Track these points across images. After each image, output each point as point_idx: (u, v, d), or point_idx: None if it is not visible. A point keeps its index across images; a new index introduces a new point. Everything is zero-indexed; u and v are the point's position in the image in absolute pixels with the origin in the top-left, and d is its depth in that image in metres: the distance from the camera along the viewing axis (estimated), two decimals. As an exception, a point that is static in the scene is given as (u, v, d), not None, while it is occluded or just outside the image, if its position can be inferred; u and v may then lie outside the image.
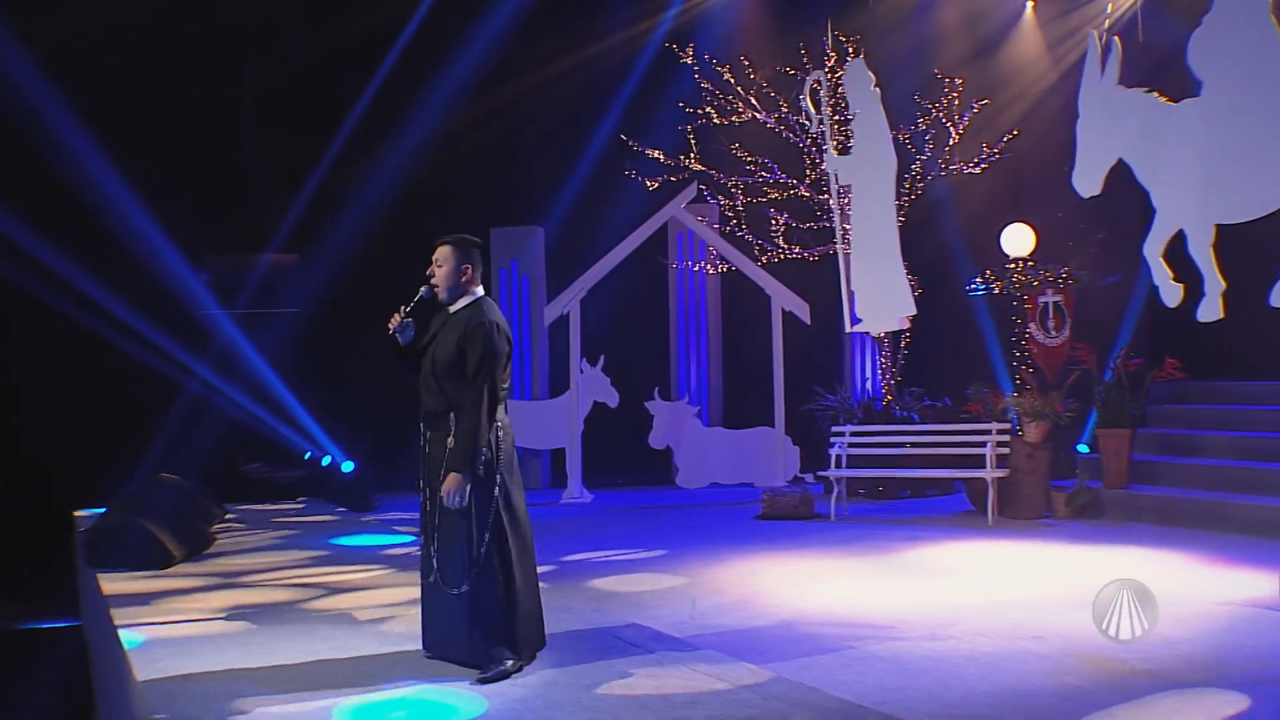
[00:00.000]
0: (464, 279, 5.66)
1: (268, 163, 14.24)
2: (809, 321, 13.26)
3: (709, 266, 14.32)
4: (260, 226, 14.02)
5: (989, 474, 10.81)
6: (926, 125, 13.13)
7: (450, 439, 5.45)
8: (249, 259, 14.19)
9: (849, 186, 11.81)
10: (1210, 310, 8.22)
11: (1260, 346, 11.26)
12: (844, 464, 11.68)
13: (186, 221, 13.07)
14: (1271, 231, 8.49)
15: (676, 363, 15.04)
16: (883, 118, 11.38)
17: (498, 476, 5.51)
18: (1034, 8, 14.66)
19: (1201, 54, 7.97)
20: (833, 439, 11.96)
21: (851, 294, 11.63)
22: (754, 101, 13.38)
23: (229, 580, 8.59)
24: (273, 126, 14.31)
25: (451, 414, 5.49)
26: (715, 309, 15.14)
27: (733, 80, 13.40)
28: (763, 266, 13.42)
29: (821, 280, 13.64)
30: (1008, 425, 11.23)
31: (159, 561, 8.91)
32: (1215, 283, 8.22)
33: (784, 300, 13.10)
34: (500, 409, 5.55)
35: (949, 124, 13.16)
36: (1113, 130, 8.38)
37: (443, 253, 5.71)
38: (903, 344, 13.41)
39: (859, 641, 6.23)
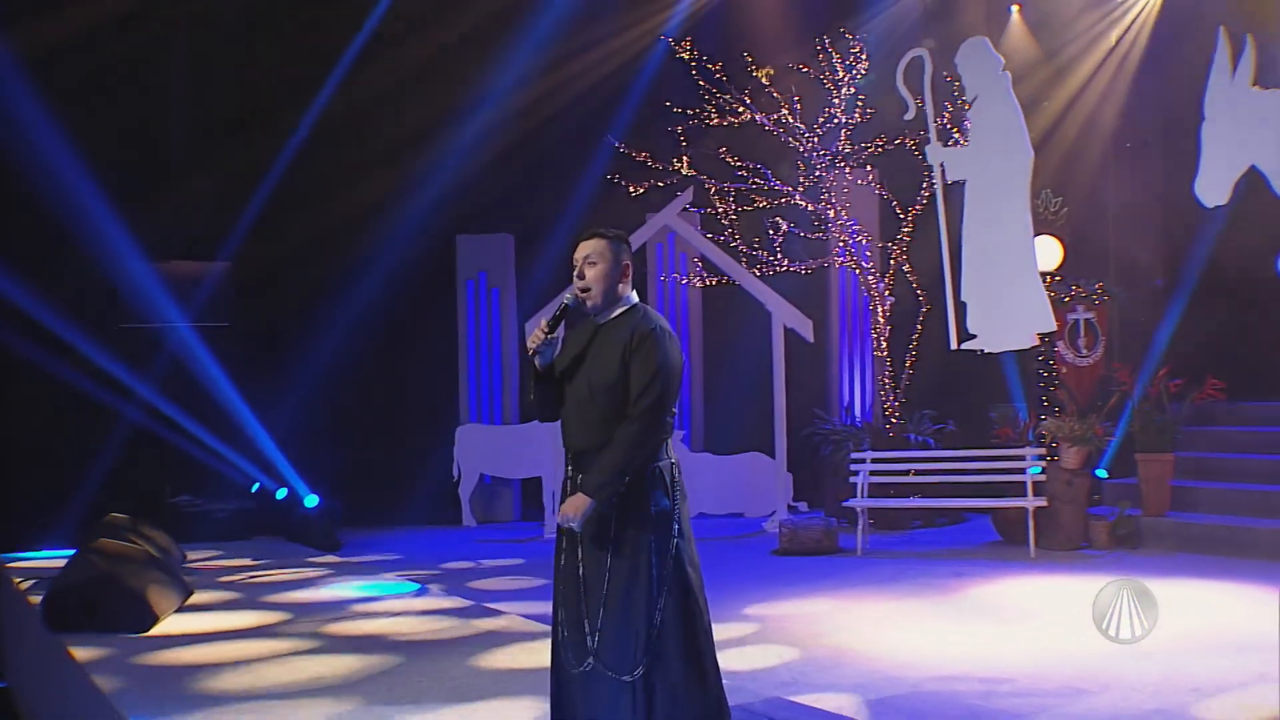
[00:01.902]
0: (620, 280, 4.74)
1: (201, 161, 13.50)
2: (811, 339, 13.06)
3: (695, 279, 13.97)
4: (196, 231, 13.32)
5: (1030, 503, 10.68)
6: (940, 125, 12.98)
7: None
8: (185, 266, 13.45)
9: (961, 183, 11.17)
10: None
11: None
12: (866, 493, 11.46)
13: (115, 222, 12.39)
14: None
15: (656, 383, 14.65)
16: (1015, 104, 10.80)
17: (675, 525, 4.59)
18: (1020, 10, 14.74)
19: None
20: (854, 466, 11.71)
21: (962, 306, 11.06)
22: (749, 102, 13.11)
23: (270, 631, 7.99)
24: (207, 120, 13.60)
25: None
26: (697, 325, 14.84)
27: (727, 80, 13.09)
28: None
29: (807, 295, 13.47)
30: (1044, 450, 11.12)
31: (141, 622, 8.21)
32: None
33: (786, 317, 12.85)
34: (669, 440, 4.74)
35: (954, 129, 13.08)
36: (1245, 135, 8.24)
37: (594, 248, 4.71)
38: (908, 363, 13.26)
39: (1030, 703, 5.94)
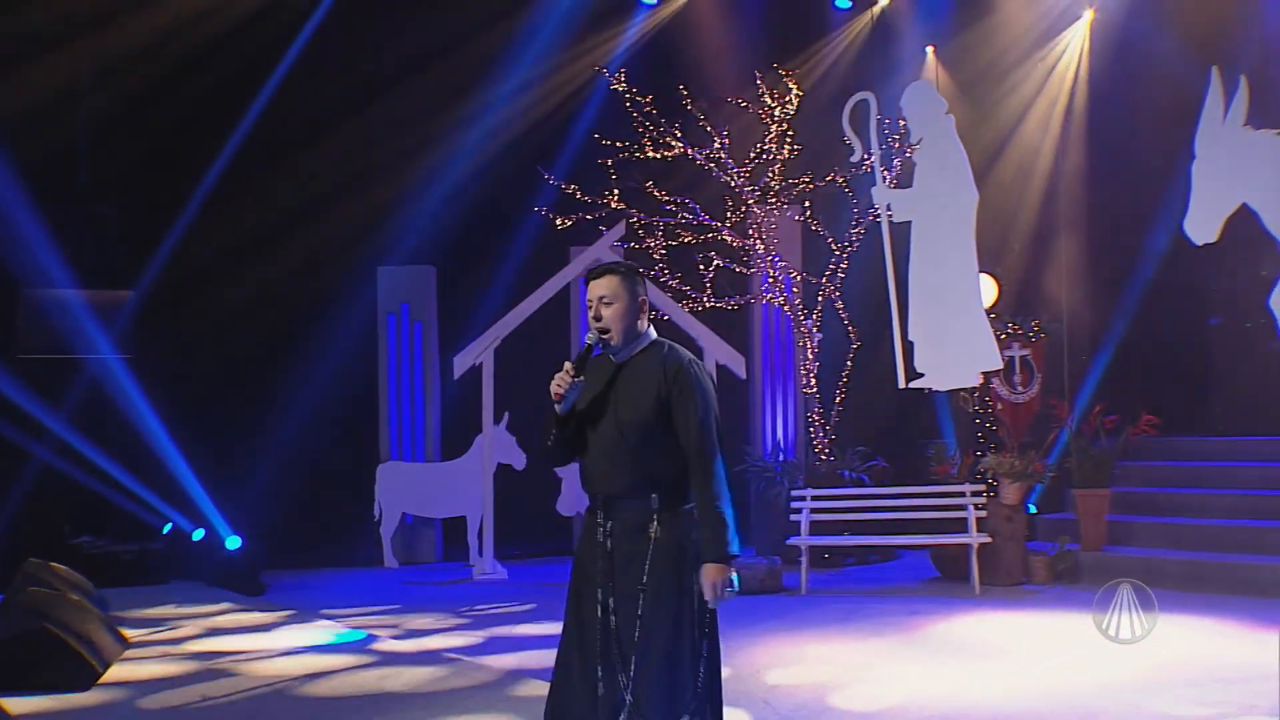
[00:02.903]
0: (639, 316, 4.56)
1: (114, 189, 13.07)
2: (744, 376, 13.17)
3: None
4: (110, 260, 12.87)
5: (973, 539, 10.91)
6: (869, 168, 13.26)
7: (654, 527, 4.38)
8: (97, 295, 12.98)
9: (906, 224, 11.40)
10: None
11: (1228, 403, 11.89)
12: (807, 531, 11.56)
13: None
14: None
15: (579, 419, 14.58)
16: (959, 146, 11.09)
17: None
18: (934, 51, 15.23)
19: None
20: (795, 504, 11.80)
21: (909, 345, 11.26)
22: (680, 135, 13.18)
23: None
24: (122, 148, 13.17)
25: (653, 493, 4.40)
26: (619, 361, 14.79)
27: (658, 114, 13.15)
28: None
29: (729, 331, 13.59)
30: (983, 487, 11.38)
31: (81, 680, 7.81)
32: None
33: (719, 353, 12.94)
34: None
35: (882, 169, 13.34)
36: (1235, 174, 8.57)
37: (609, 286, 4.53)
38: (837, 399, 13.43)
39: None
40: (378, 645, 9.10)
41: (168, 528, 12.44)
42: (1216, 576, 10.28)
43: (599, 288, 4.54)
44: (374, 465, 13.44)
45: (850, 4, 15.53)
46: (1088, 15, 14.27)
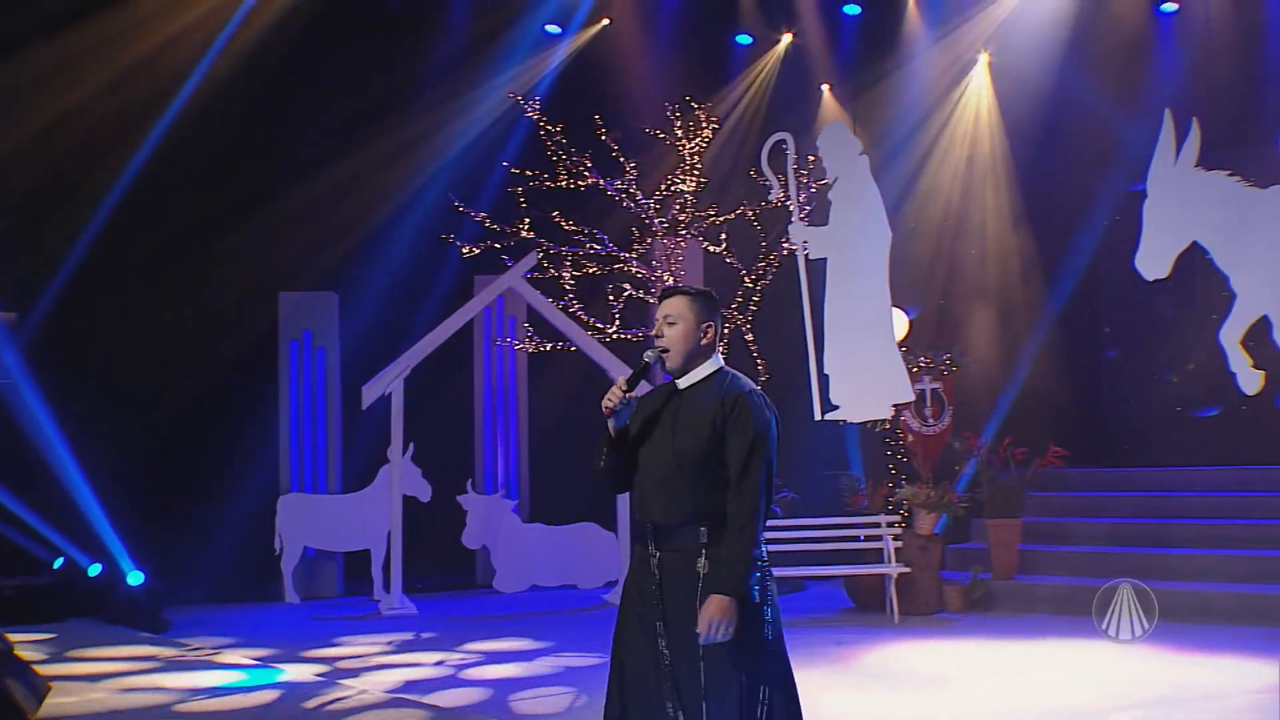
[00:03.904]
0: (703, 341, 4.50)
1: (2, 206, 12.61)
2: (654, 407, 13.26)
3: (529, 343, 13.86)
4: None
5: (892, 569, 11.19)
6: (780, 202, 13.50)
7: (702, 560, 4.28)
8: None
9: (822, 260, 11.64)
10: None
11: (1127, 433, 12.45)
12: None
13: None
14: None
15: (482, 451, 14.53)
16: (873, 186, 11.39)
17: (769, 610, 4.32)
18: (830, 89, 15.71)
19: None
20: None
21: (824, 379, 11.49)
22: (590, 165, 13.28)
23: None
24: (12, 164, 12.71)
25: (702, 526, 4.31)
26: (524, 392, 14.80)
27: (566, 142, 13.22)
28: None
29: (634, 363, 13.69)
30: (898, 518, 11.67)
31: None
32: None
33: (630, 384, 13.02)
34: None
35: (788, 203, 13.60)
36: (1187, 213, 9.00)
37: (675, 306, 4.50)
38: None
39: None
40: (311, 684, 8.93)
41: (59, 562, 11.97)
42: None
43: (666, 307, 4.53)
44: (274, 497, 13.16)
45: (751, 40, 15.91)
46: (984, 58, 14.91)
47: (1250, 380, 9.22)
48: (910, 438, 12.25)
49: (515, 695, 8.28)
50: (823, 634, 10.54)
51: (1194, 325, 13.75)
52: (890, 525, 11.53)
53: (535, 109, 13.05)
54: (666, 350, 4.48)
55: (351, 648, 10.30)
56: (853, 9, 15.24)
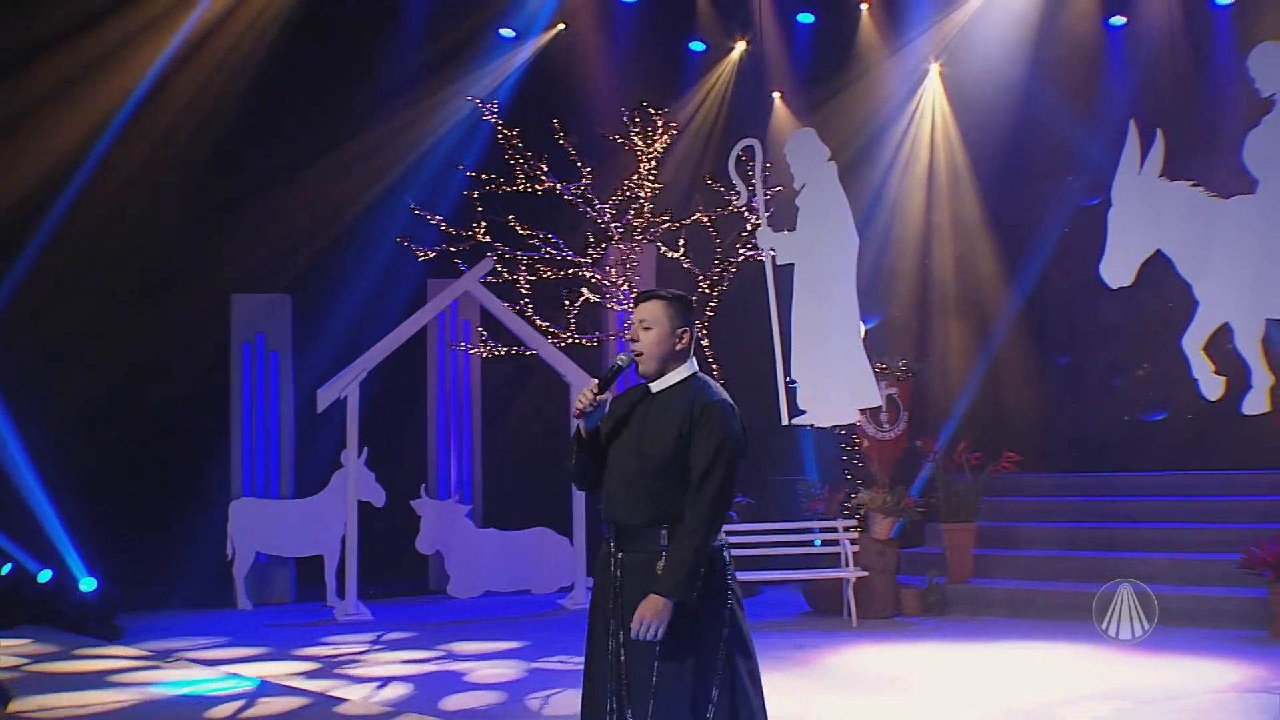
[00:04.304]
0: (677, 347, 4.53)
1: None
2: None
3: (484, 348, 13.83)
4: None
5: (850, 574, 11.31)
6: (735, 209, 13.59)
7: (661, 562, 4.32)
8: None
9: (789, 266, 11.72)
10: (1256, 403, 9.18)
11: (1078, 439, 12.69)
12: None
13: None
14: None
15: (435, 456, 14.48)
16: (841, 193, 11.48)
17: (726, 611, 4.38)
18: (781, 97, 15.89)
19: (1257, 153, 9.01)
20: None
21: (791, 384, 11.57)
22: (546, 170, 13.28)
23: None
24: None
25: (664, 528, 4.35)
26: (477, 396, 14.78)
27: (522, 146, 13.23)
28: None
29: (586, 368, 13.75)
30: (855, 523, 11.81)
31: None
32: (1263, 376, 9.19)
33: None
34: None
35: (746, 210, 13.67)
36: (1151, 222, 9.20)
37: (651, 310, 4.53)
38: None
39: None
40: (279, 698, 8.86)
41: (7, 568, 11.75)
42: (1078, 605, 10.86)
43: (641, 311, 4.56)
44: (226, 502, 13.03)
45: (705, 47, 16.02)
46: (934, 68, 15.15)
47: (1212, 386, 9.44)
48: (866, 443, 12.39)
49: (529, 696, 8.33)
50: (783, 638, 10.63)
51: (1142, 333, 14.10)
52: (847, 530, 11.67)
53: (493, 113, 13.04)
54: (640, 354, 4.52)
55: (333, 649, 10.27)
56: (806, 18, 15.40)
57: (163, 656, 10.08)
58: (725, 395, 4.49)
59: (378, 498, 13.03)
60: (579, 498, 12.89)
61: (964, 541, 11.89)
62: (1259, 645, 9.18)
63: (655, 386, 4.53)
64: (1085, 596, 10.91)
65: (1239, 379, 9.43)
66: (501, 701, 8.20)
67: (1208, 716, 7.25)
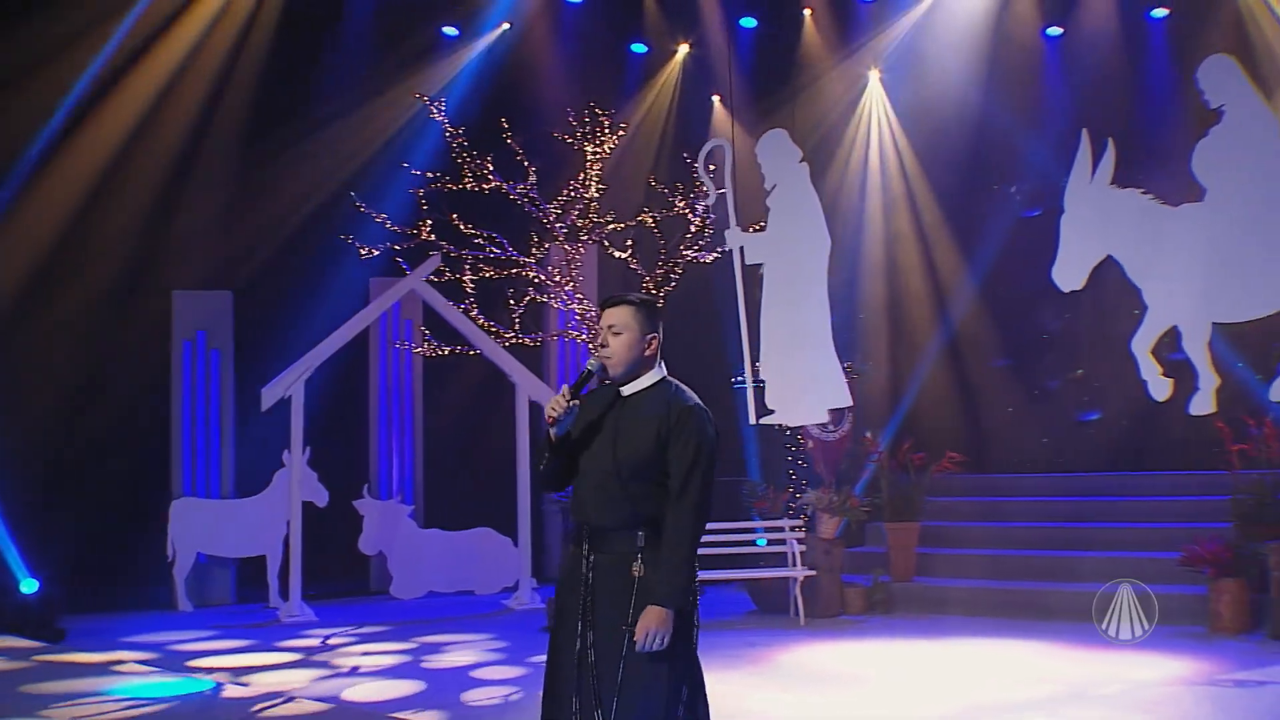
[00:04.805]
0: (647, 352, 4.54)
1: None
2: (556, 412, 13.35)
3: (428, 348, 13.76)
4: None
5: (798, 573, 11.46)
6: (680, 211, 13.67)
7: (637, 564, 4.39)
8: None
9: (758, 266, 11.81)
10: (1202, 404, 9.44)
11: (1018, 439, 12.98)
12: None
13: None
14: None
15: (377, 456, 14.40)
16: (813, 194, 11.58)
17: (696, 616, 4.49)
18: (721, 100, 16.04)
19: (1206, 162, 9.29)
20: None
21: (759, 384, 11.65)
22: (492, 169, 13.27)
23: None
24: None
25: (640, 531, 4.42)
26: (419, 396, 14.73)
27: (467, 144, 13.20)
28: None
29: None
30: (801, 522, 11.96)
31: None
32: (1209, 378, 9.46)
33: (533, 390, 13.12)
34: None
35: (688, 211, 13.77)
36: (1103, 228, 9.46)
37: (619, 315, 4.53)
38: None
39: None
40: (230, 691, 8.79)
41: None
42: (1020, 603, 11.20)
43: (610, 316, 4.56)
44: (166, 501, 12.84)
45: (646, 49, 16.11)
46: (874, 74, 15.39)
47: (1160, 388, 9.73)
48: (810, 443, 12.56)
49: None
50: (733, 636, 10.73)
51: (1079, 337, 14.47)
52: (794, 529, 11.82)
53: (440, 111, 13.01)
54: (610, 358, 4.53)
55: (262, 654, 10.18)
56: (749, 22, 15.55)
57: (110, 660, 9.97)
58: (698, 400, 4.54)
59: (320, 498, 12.94)
60: (524, 499, 12.91)
61: (908, 541, 12.10)
62: (1200, 640, 9.47)
63: (626, 390, 4.56)
64: (1027, 594, 11.31)
65: (1187, 381, 9.74)
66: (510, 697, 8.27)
67: (1160, 709, 7.48)
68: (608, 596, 4.37)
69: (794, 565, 11.55)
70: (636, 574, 4.35)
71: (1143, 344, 9.73)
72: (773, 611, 11.91)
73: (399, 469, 14.48)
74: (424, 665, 9.65)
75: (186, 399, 13.35)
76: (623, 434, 4.48)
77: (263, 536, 12.82)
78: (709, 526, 11.63)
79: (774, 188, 11.77)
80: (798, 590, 11.46)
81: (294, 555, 12.19)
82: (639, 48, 16.03)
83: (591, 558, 4.45)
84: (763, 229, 12.05)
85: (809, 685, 8.60)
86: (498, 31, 14.98)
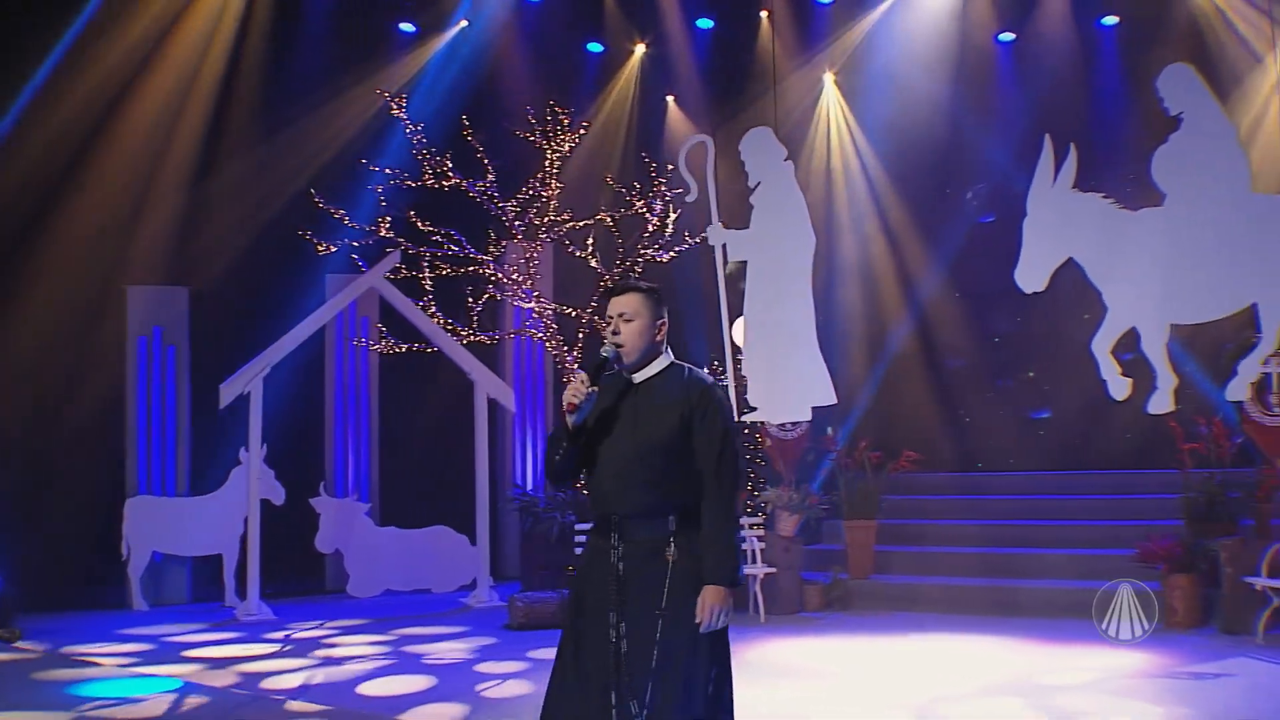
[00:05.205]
0: (657, 337, 4.63)
1: None
2: (514, 409, 13.41)
3: (385, 345, 13.71)
4: None
5: (759, 570, 11.58)
6: (638, 210, 13.74)
7: (670, 549, 4.42)
8: None
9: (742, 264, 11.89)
10: (1161, 403, 9.65)
11: (971, 438, 13.21)
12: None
13: None
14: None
15: (333, 453, 14.35)
16: (798, 192, 11.66)
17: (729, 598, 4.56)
18: (675, 100, 16.19)
19: (1166, 168, 9.51)
20: (582, 537, 12.08)
21: (742, 381, 11.71)
22: (450, 165, 13.26)
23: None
24: None
25: (670, 515, 4.45)
26: (375, 393, 14.69)
27: (426, 139, 13.20)
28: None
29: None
30: (759, 520, 12.08)
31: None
32: (1167, 378, 9.67)
33: (490, 387, 13.14)
34: None
35: (646, 211, 13.82)
36: (1064, 231, 9.66)
37: (630, 303, 4.61)
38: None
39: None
40: (199, 696, 8.74)
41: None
42: (977, 599, 11.40)
43: (620, 304, 4.63)
44: (121, 500, 12.71)
45: (602, 48, 16.18)
46: (829, 77, 15.58)
47: (1119, 387, 9.95)
48: (769, 442, 12.69)
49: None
50: (696, 632, 10.81)
51: (1031, 338, 14.75)
52: (753, 527, 11.94)
53: (401, 107, 12.99)
54: (623, 344, 4.58)
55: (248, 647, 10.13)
56: (705, 23, 15.67)
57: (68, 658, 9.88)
58: (711, 378, 4.65)
59: (277, 496, 12.85)
60: (482, 497, 12.91)
61: (866, 538, 12.27)
62: (1156, 635, 9.65)
63: (638, 377, 4.62)
64: (984, 591, 11.51)
65: (1145, 381, 9.96)
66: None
67: (1125, 700, 7.66)
68: (640, 584, 4.41)
69: (753, 563, 11.67)
70: (670, 559, 4.41)
71: (1103, 344, 9.95)
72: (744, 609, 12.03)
73: (355, 467, 14.44)
74: (425, 661, 9.67)
75: (142, 396, 13.22)
76: (643, 419, 4.53)
77: (219, 535, 12.73)
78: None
79: (758, 185, 11.87)
80: (758, 587, 11.58)
81: (252, 554, 12.11)
82: (595, 47, 16.09)
83: (621, 547, 4.47)
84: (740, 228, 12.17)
85: (775, 679, 8.67)
86: (456, 29, 14.97)
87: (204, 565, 13.11)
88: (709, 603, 4.35)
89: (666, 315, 4.69)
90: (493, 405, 13.29)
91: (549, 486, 14.80)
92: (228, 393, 12.10)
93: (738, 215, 12.73)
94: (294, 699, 8.21)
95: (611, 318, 4.62)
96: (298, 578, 13.71)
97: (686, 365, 4.68)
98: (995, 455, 14.47)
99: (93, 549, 12.69)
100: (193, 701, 8.19)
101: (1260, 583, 9.46)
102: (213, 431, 13.24)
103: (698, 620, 4.33)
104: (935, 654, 9.57)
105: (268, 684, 8.74)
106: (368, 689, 8.54)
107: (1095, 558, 11.30)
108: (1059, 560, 11.58)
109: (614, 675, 4.38)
